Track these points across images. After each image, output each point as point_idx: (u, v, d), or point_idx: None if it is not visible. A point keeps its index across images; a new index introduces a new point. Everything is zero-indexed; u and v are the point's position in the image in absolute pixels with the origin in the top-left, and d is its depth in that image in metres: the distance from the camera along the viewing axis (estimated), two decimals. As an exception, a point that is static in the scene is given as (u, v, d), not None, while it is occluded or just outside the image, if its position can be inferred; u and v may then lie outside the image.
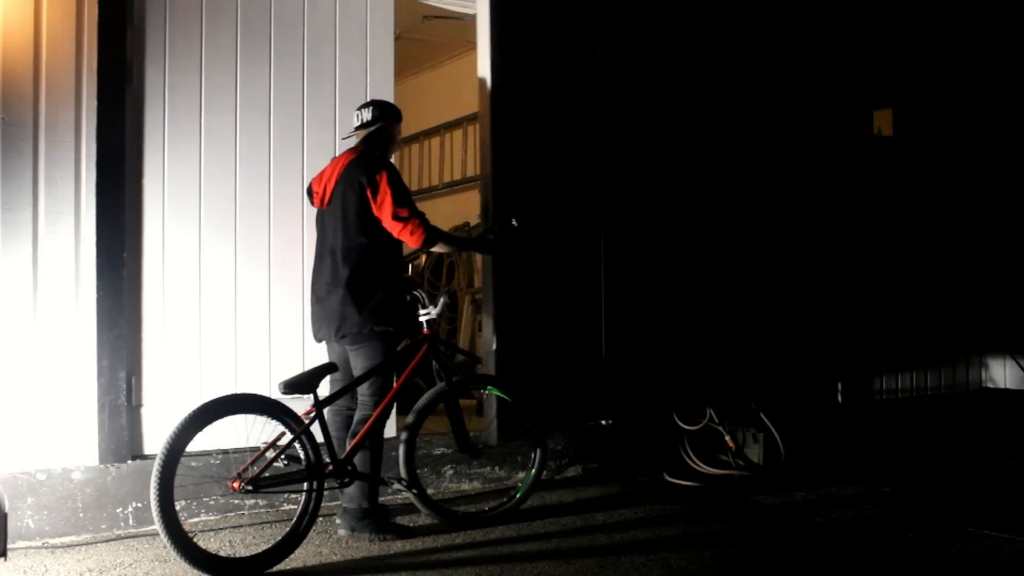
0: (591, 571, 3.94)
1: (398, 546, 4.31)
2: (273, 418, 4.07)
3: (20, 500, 4.40)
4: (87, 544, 4.40)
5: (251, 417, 4.07)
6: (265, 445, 4.09)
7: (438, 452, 5.43)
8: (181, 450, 3.87)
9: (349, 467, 4.29)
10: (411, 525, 4.60)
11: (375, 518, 4.42)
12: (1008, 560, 4.12)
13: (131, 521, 4.65)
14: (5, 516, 3.81)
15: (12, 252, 4.50)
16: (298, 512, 4.11)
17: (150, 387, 4.84)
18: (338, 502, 4.57)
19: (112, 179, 4.71)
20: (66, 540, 4.44)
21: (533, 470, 4.96)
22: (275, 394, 4.19)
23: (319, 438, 4.19)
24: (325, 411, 4.30)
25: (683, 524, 4.73)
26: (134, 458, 4.73)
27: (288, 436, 4.08)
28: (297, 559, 4.10)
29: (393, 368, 4.55)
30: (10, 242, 4.49)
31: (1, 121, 4.49)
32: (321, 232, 4.67)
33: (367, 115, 4.67)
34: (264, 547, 4.08)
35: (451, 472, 5.48)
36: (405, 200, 4.46)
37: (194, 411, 3.92)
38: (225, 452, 4.49)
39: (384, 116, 4.69)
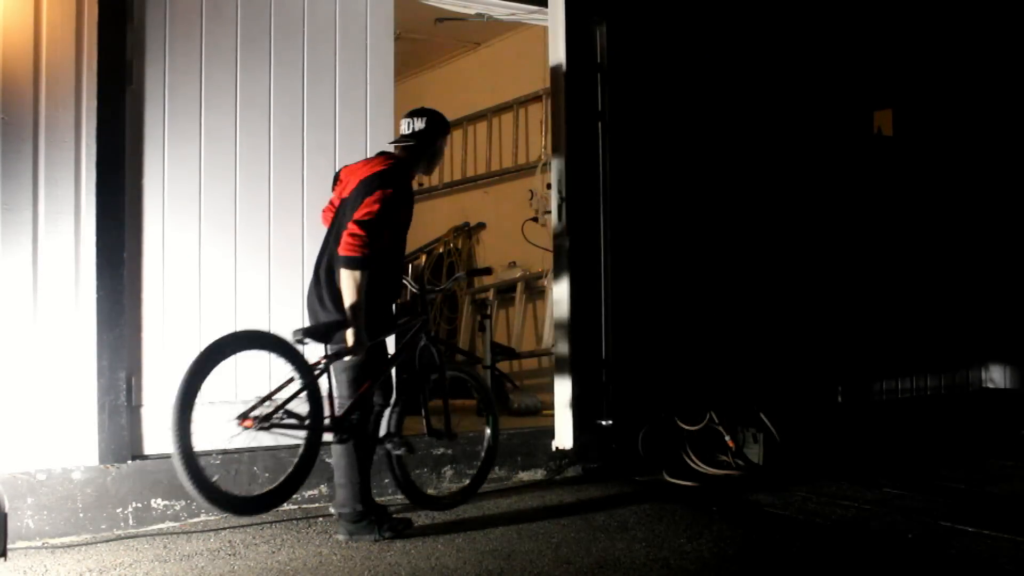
0: (591, 571, 3.94)
1: (398, 545, 4.31)
2: (287, 360, 4.10)
3: (20, 500, 4.40)
4: (87, 544, 4.40)
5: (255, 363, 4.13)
6: (275, 388, 4.14)
7: (438, 452, 5.43)
8: (199, 384, 3.87)
9: (346, 424, 4.30)
10: (411, 520, 4.60)
11: (371, 518, 4.41)
12: (1008, 560, 4.12)
13: (131, 521, 4.65)
14: (5, 516, 3.82)
15: (12, 252, 4.50)
16: (300, 454, 4.13)
17: (150, 387, 4.84)
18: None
19: (112, 179, 4.72)
20: (66, 540, 4.45)
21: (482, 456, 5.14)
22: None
23: (324, 391, 4.24)
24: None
25: (683, 524, 4.73)
26: (134, 458, 4.73)
27: (298, 381, 4.10)
28: (297, 559, 4.10)
29: (379, 368, 4.50)
30: (10, 242, 4.50)
31: (1, 121, 4.49)
32: (333, 221, 4.53)
33: (420, 124, 4.58)
34: (269, 487, 4.15)
35: (451, 472, 5.48)
36: (381, 223, 4.25)
37: (212, 344, 3.95)
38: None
39: (432, 129, 4.61)
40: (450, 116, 9.24)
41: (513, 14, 6.35)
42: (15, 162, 4.51)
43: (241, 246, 5.10)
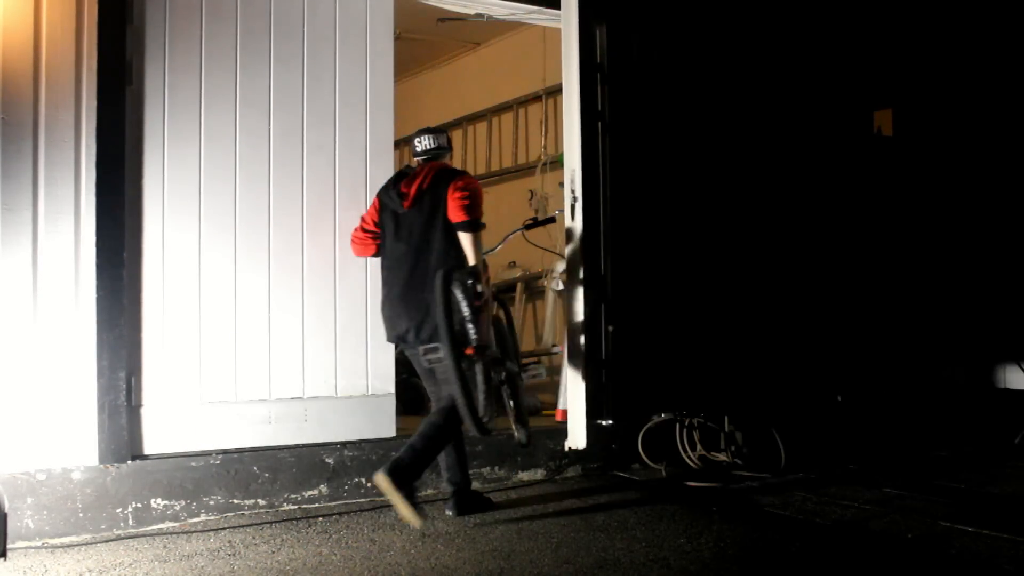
0: (591, 571, 3.94)
1: (397, 546, 4.31)
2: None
3: (20, 500, 4.40)
4: (87, 544, 4.40)
5: None
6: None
7: (438, 452, 5.42)
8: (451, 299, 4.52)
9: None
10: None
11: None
12: (1008, 560, 4.12)
13: (131, 521, 4.65)
14: (5, 516, 3.82)
15: (12, 252, 4.50)
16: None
17: (150, 387, 4.84)
18: (339, 501, 4.57)
19: (112, 179, 4.72)
20: (66, 540, 4.45)
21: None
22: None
23: None
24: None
25: (683, 524, 4.73)
26: (134, 458, 4.73)
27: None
28: (297, 559, 4.10)
29: None
30: (10, 242, 4.50)
31: (1, 121, 4.49)
32: (395, 232, 4.82)
33: (443, 140, 5.05)
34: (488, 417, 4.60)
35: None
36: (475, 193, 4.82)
37: (444, 273, 4.56)
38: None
39: (448, 142, 5.13)
40: (450, 116, 9.43)
41: (513, 14, 6.35)
42: (15, 162, 4.51)
43: (241, 246, 5.09)
